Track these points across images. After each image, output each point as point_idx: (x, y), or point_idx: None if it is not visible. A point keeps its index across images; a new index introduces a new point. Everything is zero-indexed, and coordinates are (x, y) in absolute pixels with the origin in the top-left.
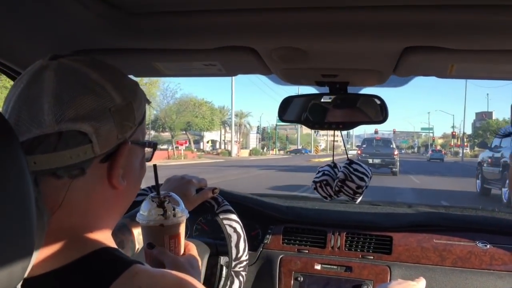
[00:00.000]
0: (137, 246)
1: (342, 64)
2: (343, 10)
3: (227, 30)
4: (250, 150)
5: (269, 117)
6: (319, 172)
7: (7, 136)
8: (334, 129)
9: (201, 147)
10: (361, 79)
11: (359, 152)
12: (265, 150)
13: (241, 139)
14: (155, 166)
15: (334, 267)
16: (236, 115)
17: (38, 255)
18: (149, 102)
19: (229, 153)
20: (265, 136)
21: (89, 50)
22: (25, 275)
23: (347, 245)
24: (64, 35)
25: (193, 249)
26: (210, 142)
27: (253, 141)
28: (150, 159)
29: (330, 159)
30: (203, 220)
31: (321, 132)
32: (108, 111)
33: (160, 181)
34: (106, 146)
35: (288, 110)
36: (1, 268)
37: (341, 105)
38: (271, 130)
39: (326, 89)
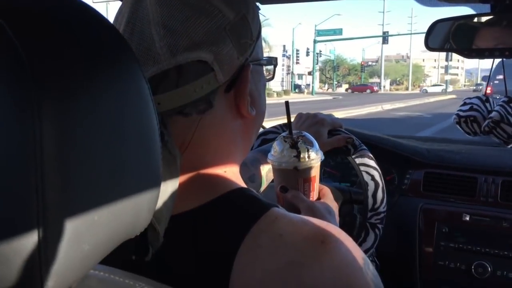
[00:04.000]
0: (264, 183)
1: None
2: None
3: None
4: None
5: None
6: (466, 104)
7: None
8: (497, 57)
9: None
10: None
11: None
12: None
13: None
14: (287, 102)
15: (487, 219)
16: None
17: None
18: (259, 8)
19: None
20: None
21: None
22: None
23: (503, 195)
24: None
25: (328, 194)
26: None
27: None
28: (272, 78)
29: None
30: (332, 162)
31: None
32: (223, 30)
33: None
34: (229, 71)
35: (437, 36)
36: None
37: (508, 26)
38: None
39: (486, 8)
